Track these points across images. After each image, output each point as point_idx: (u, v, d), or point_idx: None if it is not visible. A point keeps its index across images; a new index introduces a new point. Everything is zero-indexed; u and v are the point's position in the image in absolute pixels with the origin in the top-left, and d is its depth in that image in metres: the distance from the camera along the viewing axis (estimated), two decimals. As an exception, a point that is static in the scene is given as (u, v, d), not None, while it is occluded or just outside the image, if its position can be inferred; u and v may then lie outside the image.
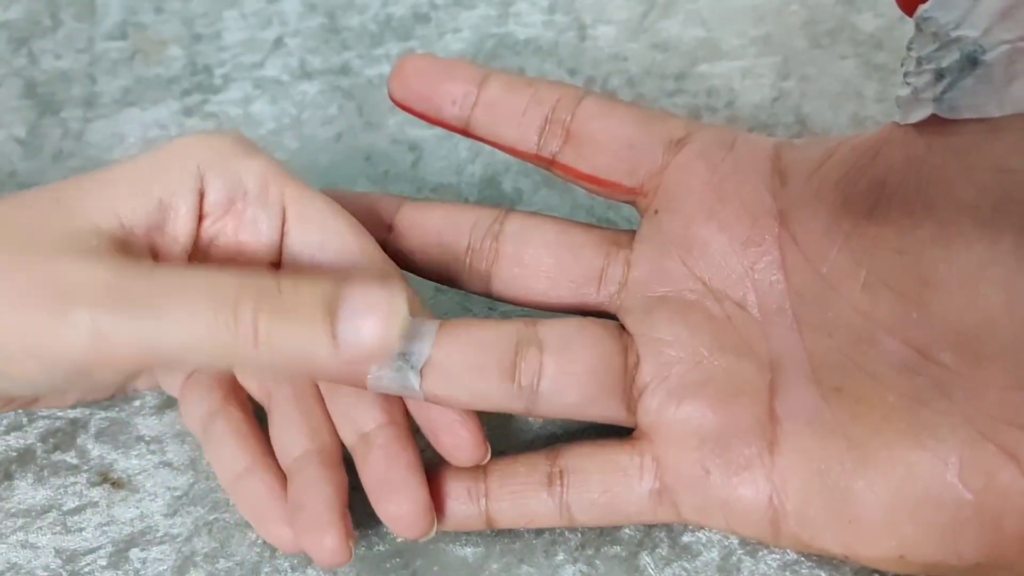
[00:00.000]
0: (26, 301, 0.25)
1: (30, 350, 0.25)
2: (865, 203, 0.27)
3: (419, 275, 0.32)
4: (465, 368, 0.28)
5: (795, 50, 0.43)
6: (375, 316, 0.25)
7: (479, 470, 0.29)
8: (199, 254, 0.29)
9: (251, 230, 0.29)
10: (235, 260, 0.29)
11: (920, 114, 0.26)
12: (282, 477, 0.29)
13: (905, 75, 0.27)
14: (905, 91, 0.27)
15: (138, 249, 0.27)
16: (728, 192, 0.29)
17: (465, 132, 0.31)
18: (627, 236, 0.31)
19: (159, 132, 0.41)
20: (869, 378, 0.27)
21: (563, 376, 0.28)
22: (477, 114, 0.31)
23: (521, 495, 0.29)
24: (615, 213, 0.38)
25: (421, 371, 0.28)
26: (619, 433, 0.30)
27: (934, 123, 0.26)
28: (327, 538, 0.27)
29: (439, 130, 0.41)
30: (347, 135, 0.41)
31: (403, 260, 0.32)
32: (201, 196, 0.28)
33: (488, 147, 0.41)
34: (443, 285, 0.32)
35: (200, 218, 0.29)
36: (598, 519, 0.29)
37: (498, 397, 0.28)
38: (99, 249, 0.26)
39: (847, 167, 0.28)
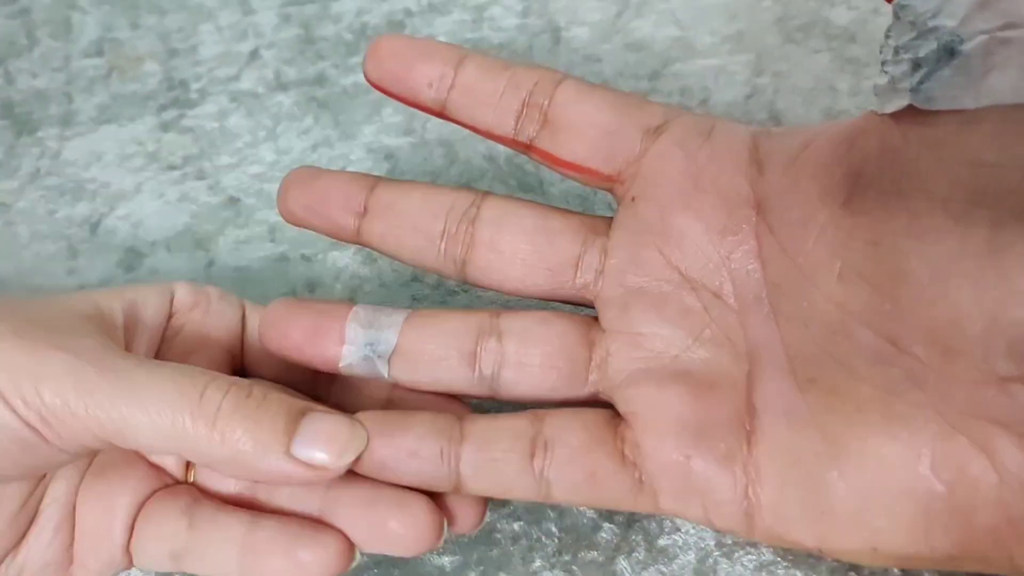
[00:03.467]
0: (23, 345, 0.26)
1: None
2: (841, 193, 0.27)
3: (392, 258, 0.32)
4: (429, 356, 0.29)
5: (768, 46, 0.43)
6: (333, 445, 0.27)
7: (456, 427, 0.29)
8: (165, 343, 0.31)
9: (215, 319, 0.31)
10: (199, 347, 0.31)
11: (897, 104, 0.26)
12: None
13: (883, 64, 0.26)
14: (882, 80, 0.26)
15: (115, 333, 0.29)
16: (705, 181, 0.29)
17: (441, 115, 0.31)
18: (604, 223, 0.31)
19: (136, 148, 0.41)
20: (843, 369, 0.27)
21: (521, 366, 0.29)
22: (453, 97, 0.30)
23: (502, 463, 0.28)
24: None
25: (389, 359, 0.29)
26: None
27: (911, 113, 0.26)
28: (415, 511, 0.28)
29: (414, 138, 0.41)
30: (323, 145, 0.41)
31: (376, 243, 0.31)
32: (171, 298, 0.31)
33: (463, 154, 0.41)
34: (417, 269, 0.32)
35: (169, 316, 0.30)
36: (576, 499, 0.28)
37: (460, 384, 0.29)
38: (90, 329, 0.28)
39: (824, 157, 0.28)
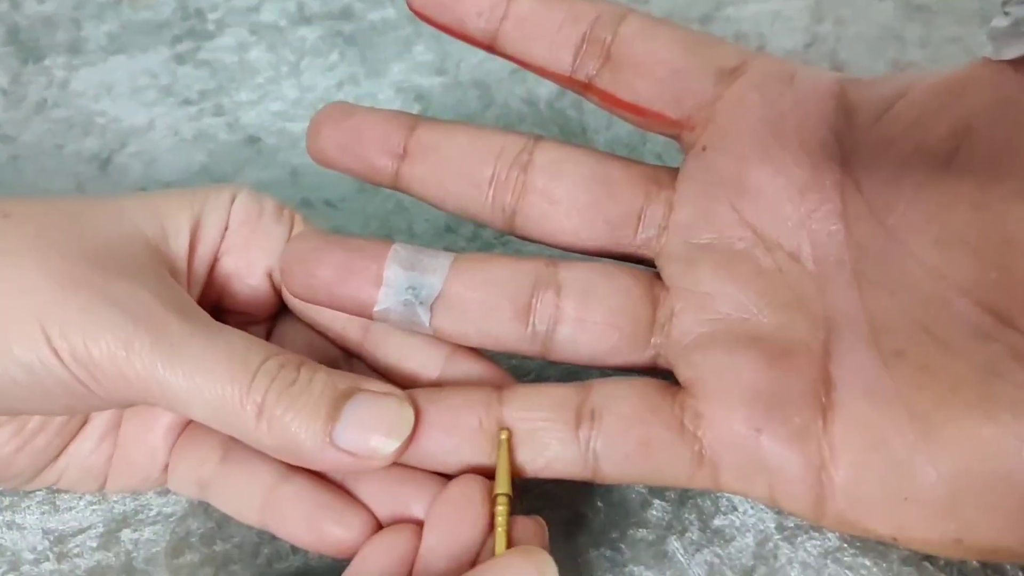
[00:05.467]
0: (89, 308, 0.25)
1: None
2: (942, 150, 0.25)
3: (435, 206, 0.29)
4: (477, 306, 0.27)
5: (829, -10, 0.40)
6: (376, 431, 0.25)
7: (493, 397, 0.27)
8: (215, 263, 0.29)
9: (261, 238, 0.29)
10: (243, 267, 0.29)
11: (1017, 50, 0.23)
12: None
13: (1004, 3, 0.24)
14: (1002, 22, 0.24)
15: (179, 260, 0.28)
16: (787, 131, 0.27)
17: (491, 48, 0.28)
18: (669, 174, 0.28)
19: (149, 81, 0.39)
20: (937, 343, 0.24)
21: (581, 324, 0.27)
22: (506, 28, 0.28)
23: (543, 433, 0.26)
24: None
25: (431, 306, 0.27)
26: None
27: None
28: None
29: (447, 78, 0.39)
30: (349, 83, 0.39)
31: (417, 188, 0.29)
32: (230, 210, 0.29)
33: (500, 97, 0.38)
34: (461, 218, 0.29)
35: (225, 228, 0.29)
36: (627, 474, 0.26)
37: (510, 339, 0.27)
38: (148, 267, 0.26)
39: (923, 108, 0.25)
